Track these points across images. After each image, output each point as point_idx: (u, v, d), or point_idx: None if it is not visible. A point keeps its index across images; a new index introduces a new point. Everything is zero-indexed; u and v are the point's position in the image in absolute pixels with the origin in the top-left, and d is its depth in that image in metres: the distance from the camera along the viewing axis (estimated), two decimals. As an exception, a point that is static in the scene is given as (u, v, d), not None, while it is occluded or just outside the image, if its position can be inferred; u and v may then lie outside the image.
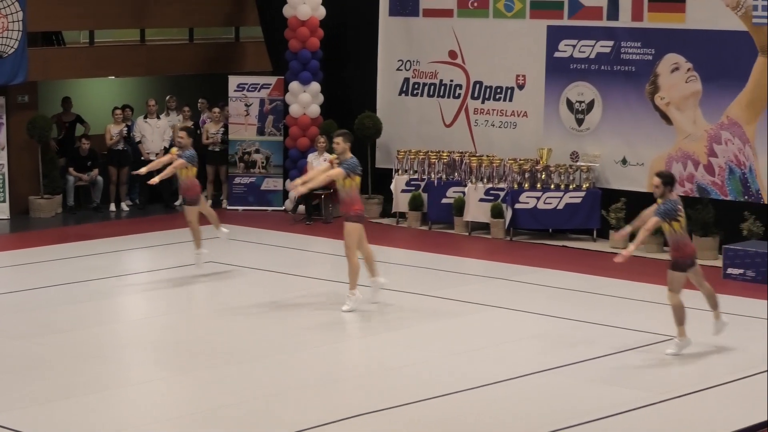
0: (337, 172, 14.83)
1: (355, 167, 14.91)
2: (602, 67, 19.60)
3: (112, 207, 22.02)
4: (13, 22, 20.64)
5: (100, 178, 21.93)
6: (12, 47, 20.67)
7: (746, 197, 18.35)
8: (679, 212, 13.06)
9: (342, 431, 10.92)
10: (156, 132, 22.27)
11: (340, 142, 14.94)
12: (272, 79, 22.33)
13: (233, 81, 22.32)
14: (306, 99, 21.81)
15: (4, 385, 12.16)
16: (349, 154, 14.97)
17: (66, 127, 22.62)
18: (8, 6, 20.58)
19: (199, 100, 23.10)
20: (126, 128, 22.08)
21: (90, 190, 22.06)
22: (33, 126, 21.16)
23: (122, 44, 23.40)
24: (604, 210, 19.24)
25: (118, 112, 22.20)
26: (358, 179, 14.99)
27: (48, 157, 21.46)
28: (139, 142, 22.22)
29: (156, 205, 22.32)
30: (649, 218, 13.16)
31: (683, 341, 13.20)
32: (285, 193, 22.06)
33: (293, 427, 10.92)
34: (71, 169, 21.85)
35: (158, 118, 22.42)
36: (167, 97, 23.01)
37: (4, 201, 21.23)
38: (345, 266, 14.59)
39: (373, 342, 13.89)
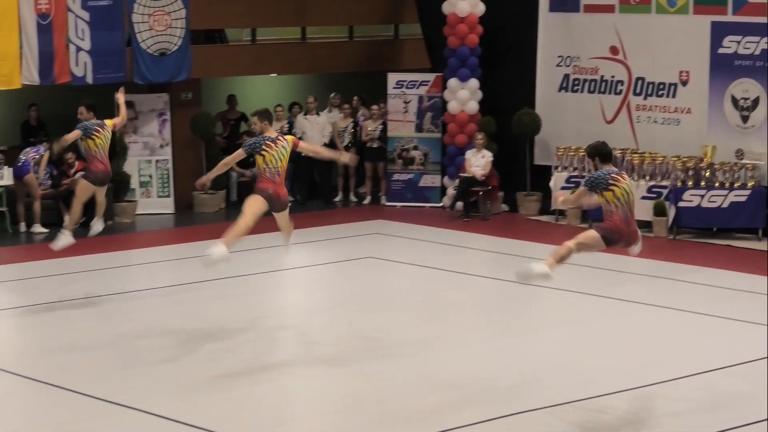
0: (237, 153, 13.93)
1: (257, 144, 13.65)
2: (768, 64, 19.19)
3: (274, 203, 22.25)
4: (177, 19, 21.04)
5: (262, 174, 22.17)
6: (176, 44, 21.08)
7: None
8: (609, 182, 12.52)
9: (501, 429, 10.88)
10: (315, 128, 22.47)
11: (257, 122, 13.78)
12: (431, 77, 22.34)
13: (392, 78, 22.42)
14: (464, 96, 21.77)
15: (162, 375, 12.37)
16: (271, 133, 13.68)
17: (231, 125, 22.95)
18: (171, 3, 20.98)
19: (354, 98, 23.24)
20: (287, 125, 22.33)
21: (252, 186, 22.32)
22: (196, 123, 21.53)
23: (284, 42, 23.67)
24: (770, 209, 18.84)
25: (279, 109, 22.44)
26: (259, 159, 13.85)
27: (211, 153, 21.79)
28: (300, 138, 22.43)
29: (316, 201, 22.55)
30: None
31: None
32: (443, 190, 22.06)
33: (456, 423, 10.89)
34: (234, 165, 22.14)
35: (318, 114, 22.63)
36: (332, 95, 23.17)
37: (168, 196, 21.65)
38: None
39: (530, 340, 13.77)
